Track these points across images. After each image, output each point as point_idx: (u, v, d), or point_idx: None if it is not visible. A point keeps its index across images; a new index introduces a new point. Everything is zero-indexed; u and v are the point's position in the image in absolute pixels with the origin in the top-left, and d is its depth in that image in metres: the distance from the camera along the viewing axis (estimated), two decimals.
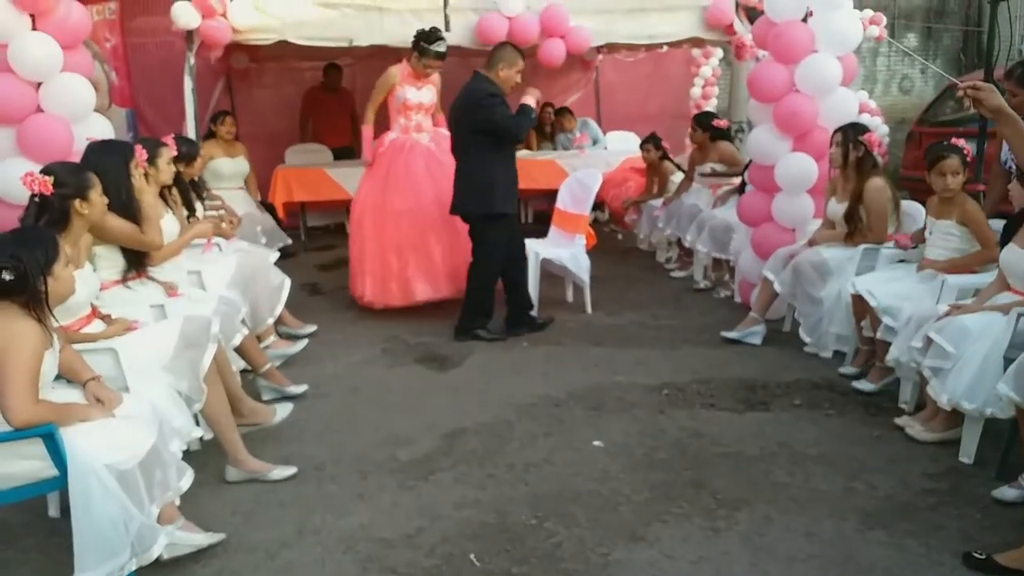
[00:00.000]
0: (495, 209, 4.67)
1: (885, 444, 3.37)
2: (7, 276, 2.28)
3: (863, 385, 3.91)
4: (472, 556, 2.63)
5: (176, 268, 3.82)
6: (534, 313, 5.05)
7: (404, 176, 5.26)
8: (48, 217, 2.83)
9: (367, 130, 5.43)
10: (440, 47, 5.13)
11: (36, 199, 2.84)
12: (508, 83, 4.62)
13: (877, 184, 4.26)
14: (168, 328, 3.06)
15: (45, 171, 2.87)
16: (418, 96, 5.32)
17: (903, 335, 3.53)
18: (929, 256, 3.89)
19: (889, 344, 3.67)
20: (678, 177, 6.77)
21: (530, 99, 4.68)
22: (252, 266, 4.26)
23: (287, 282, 4.54)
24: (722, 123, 6.40)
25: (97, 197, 2.98)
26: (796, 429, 3.54)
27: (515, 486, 3.09)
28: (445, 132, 5.53)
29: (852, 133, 4.34)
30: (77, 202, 2.89)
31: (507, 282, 4.92)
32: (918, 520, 2.78)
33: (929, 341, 3.27)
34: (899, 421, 3.51)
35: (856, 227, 4.34)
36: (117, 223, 3.34)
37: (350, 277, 5.51)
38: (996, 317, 3.14)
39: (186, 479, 2.70)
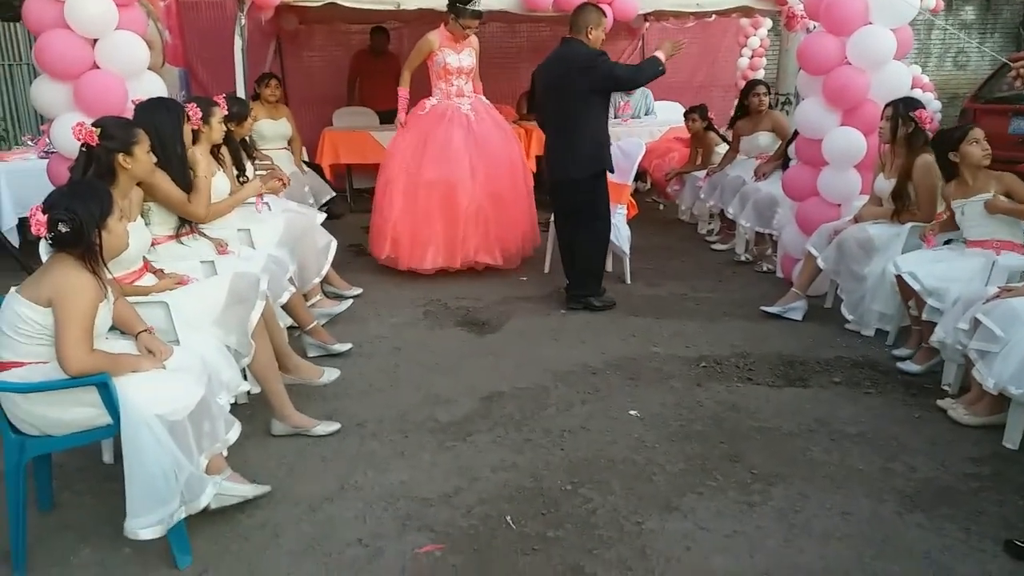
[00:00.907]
0: (606, 164, 4.69)
1: (926, 426, 3.35)
2: (63, 228, 2.34)
3: (908, 366, 3.86)
4: (508, 518, 2.69)
5: (226, 225, 3.89)
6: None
7: (442, 146, 5.29)
8: (95, 169, 2.87)
9: (403, 91, 5.46)
10: (476, 5, 5.12)
11: (84, 150, 2.89)
12: (597, 44, 4.57)
13: (927, 161, 4.17)
14: (218, 284, 3.14)
15: (95, 123, 2.92)
16: (458, 60, 5.31)
17: (949, 316, 3.49)
18: (970, 238, 3.81)
19: (934, 325, 3.62)
20: (723, 148, 6.67)
21: (661, 53, 4.61)
22: (300, 226, 4.32)
23: (334, 243, 4.61)
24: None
25: (142, 154, 2.99)
26: (835, 406, 3.53)
27: (551, 451, 3.13)
28: (485, 99, 5.53)
29: (903, 108, 4.24)
30: (121, 156, 2.92)
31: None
32: (958, 504, 2.77)
33: (976, 323, 3.23)
34: (942, 403, 3.47)
35: (904, 205, 4.26)
36: (166, 187, 3.41)
37: (371, 236, 5.59)
38: None
39: (233, 431, 2.78)
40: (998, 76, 8.69)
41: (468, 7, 5.12)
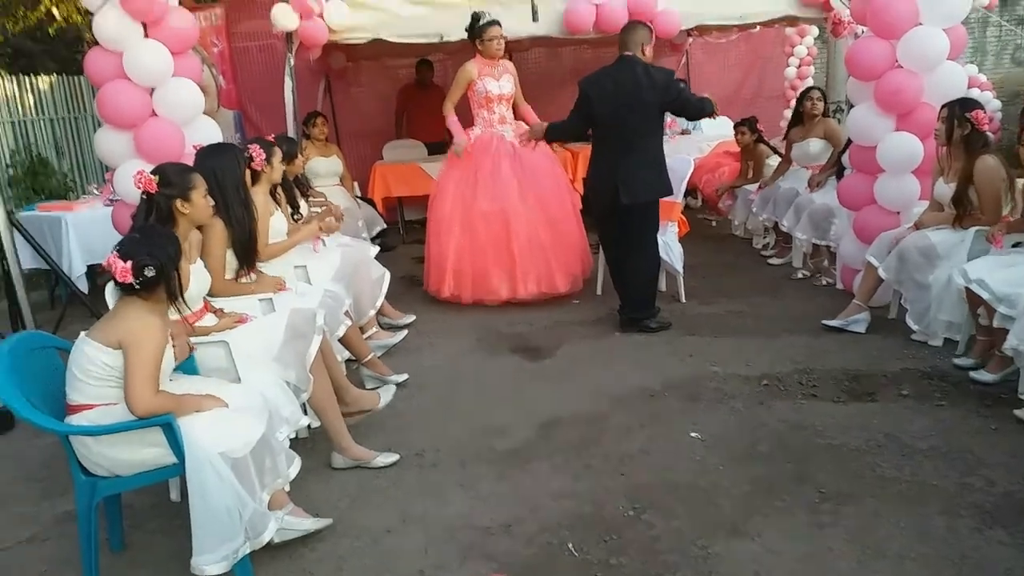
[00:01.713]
0: (668, 190, 4.69)
1: (1004, 437, 3.21)
2: (148, 272, 2.44)
3: (981, 375, 3.72)
4: (570, 545, 2.65)
5: (284, 263, 3.97)
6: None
7: (492, 176, 5.32)
8: (155, 215, 2.96)
9: (451, 116, 5.47)
10: (487, 19, 5.18)
11: (144, 196, 2.98)
12: (650, 60, 4.59)
13: (988, 163, 4.03)
14: (276, 320, 3.20)
15: (154, 171, 3.01)
16: (499, 87, 5.35)
17: (1022, 322, 3.35)
18: None
19: (1007, 332, 3.48)
20: (774, 160, 6.58)
21: (710, 95, 4.70)
22: (355, 260, 4.39)
23: (387, 275, 4.66)
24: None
25: (199, 198, 3.06)
26: (904, 420, 3.41)
27: (612, 477, 3.09)
28: (525, 125, 5.55)
29: (958, 109, 4.11)
30: (179, 202, 2.99)
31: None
32: None
33: None
34: (1019, 413, 3.33)
35: (966, 209, 4.12)
36: (218, 252, 3.41)
37: (427, 273, 5.59)
38: None
39: (294, 467, 2.81)
40: None
41: (481, 23, 5.20)
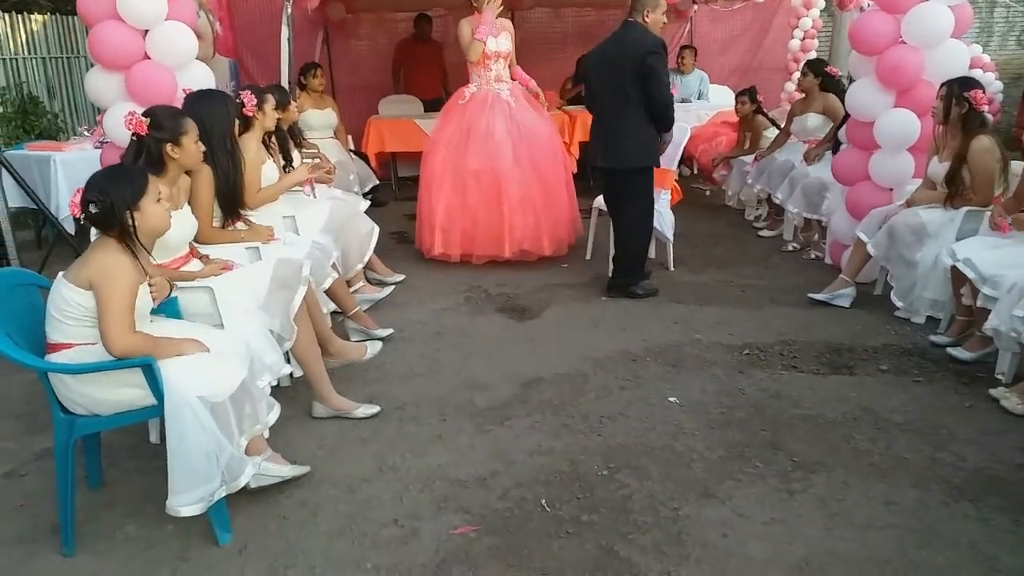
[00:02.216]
0: (650, 161, 4.63)
1: (977, 415, 3.25)
2: (93, 209, 2.41)
3: (960, 353, 3.75)
4: (543, 502, 2.69)
5: (271, 213, 3.95)
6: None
7: (485, 135, 5.27)
8: (144, 157, 2.93)
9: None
10: None
11: (134, 138, 2.95)
12: (657, 27, 4.48)
13: (983, 144, 4.02)
14: (262, 269, 3.19)
15: (145, 113, 2.98)
16: (496, 44, 5.28)
17: (1005, 303, 3.37)
18: None
19: (989, 312, 3.50)
20: (772, 132, 6.54)
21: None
22: (344, 213, 4.37)
23: (376, 230, 4.66)
24: (834, 70, 6.05)
25: (191, 144, 3.03)
26: (881, 395, 3.44)
27: (589, 436, 3.12)
28: (523, 86, 5.50)
29: (957, 88, 4.09)
30: (169, 146, 2.96)
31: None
32: (1009, 495, 2.68)
33: None
34: (994, 392, 3.36)
35: (958, 189, 4.12)
36: (205, 199, 3.38)
37: (418, 230, 5.59)
38: None
39: (273, 414, 2.82)
40: None
41: None
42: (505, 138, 5.28)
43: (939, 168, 4.23)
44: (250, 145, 3.88)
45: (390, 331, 4.19)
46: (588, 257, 5.52)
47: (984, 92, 4.10)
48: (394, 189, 7.96)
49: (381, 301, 4.63)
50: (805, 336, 4.10)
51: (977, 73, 7.76)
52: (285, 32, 5.57)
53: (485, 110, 5.33)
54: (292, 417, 3.24)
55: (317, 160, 5.16)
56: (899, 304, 4.30)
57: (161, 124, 2.96)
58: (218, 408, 2.49)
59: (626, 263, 4.80)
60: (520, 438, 3.12)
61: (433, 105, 7.98)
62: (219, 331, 2.81)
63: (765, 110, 6.82)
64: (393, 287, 4.84)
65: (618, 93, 4.47)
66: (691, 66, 8.40)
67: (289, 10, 5.55)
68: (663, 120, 4.53)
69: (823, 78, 5.92)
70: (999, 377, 3.52)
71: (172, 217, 2.80)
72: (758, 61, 9.55)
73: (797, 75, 6.40)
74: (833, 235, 5.17)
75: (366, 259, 4.59)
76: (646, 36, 4.43)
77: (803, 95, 6.11)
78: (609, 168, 4.65)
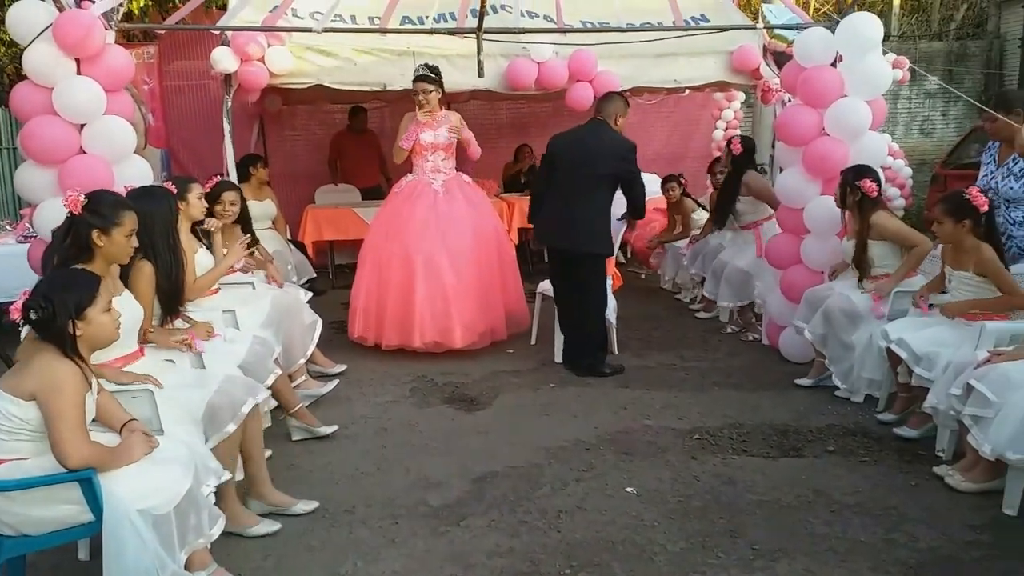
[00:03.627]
0: (610, 250, 4.99)
1: (924, 493, 3.31)
2: (33, 316, 2.31)
3: (904, 431, 3.85)
4: None
5: (211, 308, 3.85)
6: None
7: (407, 222, 5.28)
8: (71, 239, 2.79)
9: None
10: (417, 72, 5.21)
11: (68, 216, 2.81)
12: (622, 131, 4.85)
13: (880, 216, 4.29)
14: (199, 394, 3.00)
15: (88, 194, 2.84)
16: (433, 136, 5.36)
17: (941, 382, 3.49)
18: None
19: (927, 390, 3.61)
20: (700, 215, 6.75)
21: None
22: (286, 305, 4.29)
23: (319, 323, 4.57)
24: (736, 147, 5.99)
25: (120, 237, 2.85)
26: (832, 476, 3.48)
27: (548, 533, 3.05)
28: (466, 178, 5.57)
29: (851, 176, 4.38)
30: (96, 233, 2.79)
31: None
32: (963, 574, 2.72)
33: (969, 389, 3.22)
34: (938, 470, 3.44)
35: (864, 270, 4.35)
36: (144, 297, 3.21)
37: (349, 313, 5.53)
38: None
39: (217, 527, 2.68)
40: (966, 143, 8.96)
41: (414, 75, 5.24)
42: (424, 227, 5.25)
43: (848, 246, 4.47)
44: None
45: (334, 428, 4.05)
46: (533, 342, 5.51)
47: (874, 181, 4.31)
48: (332, 278, 7.87)
49: (324, 396, 4.51)
50: (752, 419, 4.14)
51: (889, 160, 8.23)
52: (227, 126, 5.54)
53: (412, 199, 5.36)
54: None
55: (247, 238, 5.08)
56: (840, 385, 4.40)
57: (95, 209, 2.80)
58: (161, 521, 2.36)
59: (594, 343, 4.94)
60: (477, 539, 3.02)
61: (371, 193, 8.03)
62: (160, 438, 2.66)
63: (691, 194, 7.04)
64: (337, 381, 4.72)
65: (590, 180, 4.72)
66: None
67: (229, 103, 5.55)
68: (641, 212, 5.00)
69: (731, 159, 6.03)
70: (939, 454, 3.61)
71: (115, 306, 2.66)
72: (684, 150, 9.94)
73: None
74: (769, 317, 5.32)
75: (309, 352, 4.49)
76: (622, 138, 4.79)
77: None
78: (573, 252, 4.82)
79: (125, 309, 2.86)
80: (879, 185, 4.33)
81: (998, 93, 4.22)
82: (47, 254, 3.17)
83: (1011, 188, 3.92)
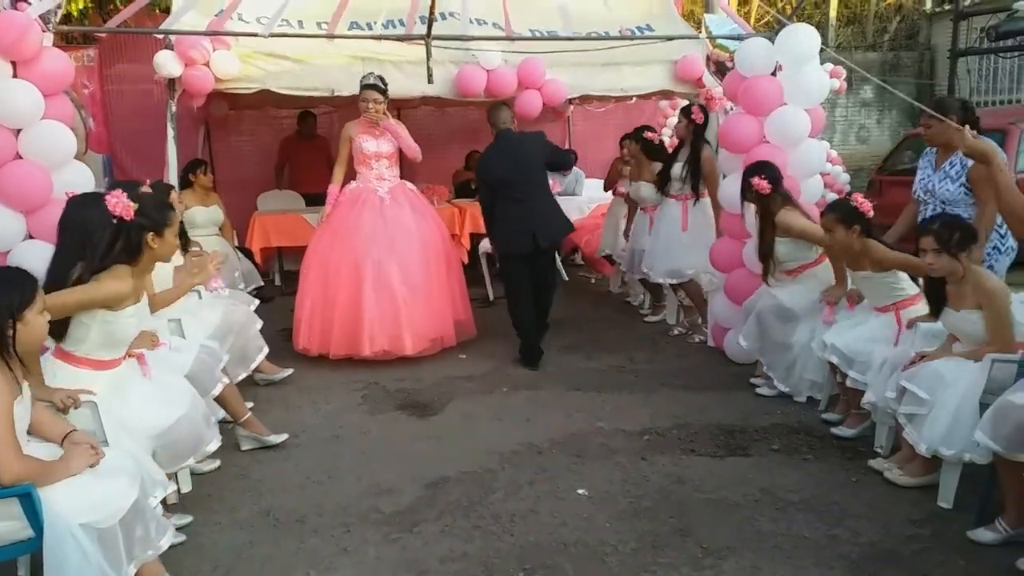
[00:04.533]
0: (572, 226, 5.59)
1: (865, 489, 3.42)
2: None
3: (842, 431, 3.96)
4: None
5: (157, 316, 3.76)
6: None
7: (354, 228, 5.25)
8: (122, 244, 2.83)
9: (333, 189, 5.42)
10: (366, 80, 5.22)
11: (114, 222, 2.80)
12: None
13: (785, 214, 4.32)
14: (159, 416, 2.96)
15: (133, 198, 2.85)
16: (376, 145, 5.36)
17: (878, 380, 3.59)
18: (873, 305, 3.95)
19: (862, 392, 3.73)
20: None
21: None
22: (235, 315, 4.25)
23: (265, 349, 4.55)
24: (652, 136, 6.19)
25: (171, 237, 3.00)
26: (777, 475, 3.57)
27: (501, 537, 3.07)
28: (411, 185, 5.58)
29: (748, 172, 4.42)
30: (151, 236, 2.89)
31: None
32: (903, 567, 2.82)
33: (903, 389, 3.33)
34: (875, 464, 3.56)
35: (768, 268, 4.45)
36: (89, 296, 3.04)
37: (293, 323, 5.44)
38: (968, 363, 3.20)
39: (166, 538, 2.64)
40: (900, 149, 9.27)
41: (361, 83, 5.24)
42: (370, 234, 5.23)
43: (751, 245, 4.65)
44: None
45: (284, 436, 4.00)
46: (485, 347, 5.53)
47: (764, 178, 4.32)
48: (279, 284, 7.77)
49: (273, 404, 4.46)
50: (699, 419, 4.22)
51: (827, 167, 8.45)
52: (171, 131, 5.43)
53: (356, 206, 5.33)
54: (184, 538, 3.02)
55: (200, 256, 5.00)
56: (782, 388, 4.49)
57: (148, 213, 2.88)
58: (106, 534, 2.31)
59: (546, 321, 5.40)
60: (431, 545, 3.03)
61: (315, 200, 7.92)
62: (105, 448, 2.60)
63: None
64: (292, 370, 4.83)
65: (535, 177, 5.16)
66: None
67: (174, 108, 5.44)
68: (569, 164, 5.91)
69: (643, 144, 6.12)
70: (878, 450, 3.73)
71: (134, 312, 2.80)
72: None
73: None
74: (714, 319, 5.42)
75: (259, 360, 4.44)
76: (531, 132, 5.42)
77: (632, 161, 6.27)
78: (555, 244, 5.44)
79: (143, 317, 2.96)
80: (775, 183, 4.34)
81: (935, 99, 4.37)
82: (59, 259, 3.05)
83: (948, 190, 4.09)
